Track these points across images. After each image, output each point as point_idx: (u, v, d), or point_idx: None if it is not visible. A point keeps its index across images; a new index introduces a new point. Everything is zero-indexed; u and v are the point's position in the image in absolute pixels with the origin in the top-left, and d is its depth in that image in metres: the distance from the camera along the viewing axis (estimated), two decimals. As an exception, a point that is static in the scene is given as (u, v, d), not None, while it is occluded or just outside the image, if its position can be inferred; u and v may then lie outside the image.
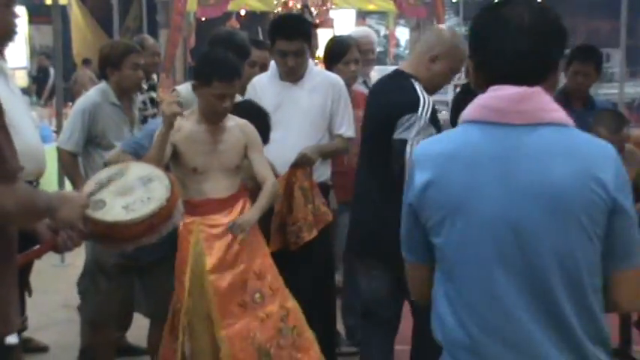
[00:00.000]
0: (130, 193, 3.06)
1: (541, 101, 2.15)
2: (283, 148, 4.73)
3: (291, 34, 4.83)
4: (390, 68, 7.13)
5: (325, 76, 5.11)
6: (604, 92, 17.94)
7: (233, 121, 4.42)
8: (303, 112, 4.93)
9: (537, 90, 2.15)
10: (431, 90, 4.09)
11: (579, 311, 2.09)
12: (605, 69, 25.77)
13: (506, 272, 2.10)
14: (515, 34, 2.15)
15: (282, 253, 4.72)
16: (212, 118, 4.33)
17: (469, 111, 2.20)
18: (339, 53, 5.64)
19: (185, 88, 4.98)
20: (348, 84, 5.51)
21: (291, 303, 4.41)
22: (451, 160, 2.16)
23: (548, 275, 2.08)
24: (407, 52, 24.80)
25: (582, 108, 5.42)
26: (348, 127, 5.06)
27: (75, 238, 2.87)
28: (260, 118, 4.58)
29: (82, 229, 2.87)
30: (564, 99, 5.59)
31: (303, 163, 4.81)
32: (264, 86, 4.86)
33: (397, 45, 27.00)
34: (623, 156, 4.81)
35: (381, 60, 26.28)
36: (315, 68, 5.14)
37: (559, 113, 2.16)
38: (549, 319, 2.09)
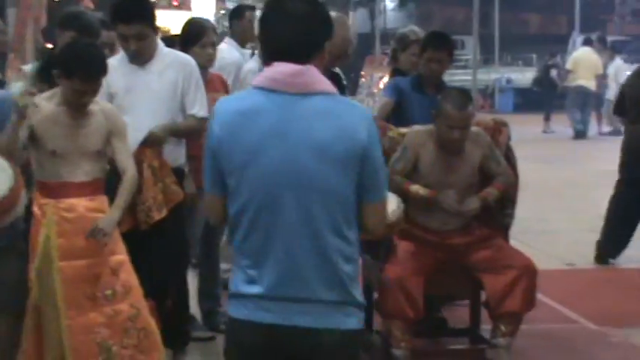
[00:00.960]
0: None
1: (312, 76, 2.74)
2: (135, 131, 4.64)
3: (130, 17, 4.75)
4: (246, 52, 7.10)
5: (175, 56, 5.05)
6: (458, 78, 18.43)
7: (98, 106, 4.33)
8: (153, 95, 4.86)
9: (309, 67, 2.74)
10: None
11: (334, 234, 2.72)
12: (459, 56, 26.46)
13: (285, 208, 2.70)
14: (291, 21, 2.74)
15: (134, 232, 4.66)
16: (72, 108, 4.25)
17: (258, 79, 2.77)
18: (195, 36, 5.57)
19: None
20: (205, 67, 5.46)
21: (143, 304, 4.34)
22: (241, 116, 2.74)
23: (314, 209, 2.70)
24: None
25: (435, 93, 5.53)
26: (200, 107, 5.02)
27: None
28: None
29: None
30: (418, 84, 5.70)
31: (152, 141, 4.78)
32: (113, 69, 4.75)
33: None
34: (469, 136, 4.98)
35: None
36: (166, 49, 5.05)
37: (326, 85, 2.76)
38: (313, 243, 2.70)
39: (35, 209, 4.23)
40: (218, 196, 2.83)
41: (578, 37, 22.51)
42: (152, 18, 4.86)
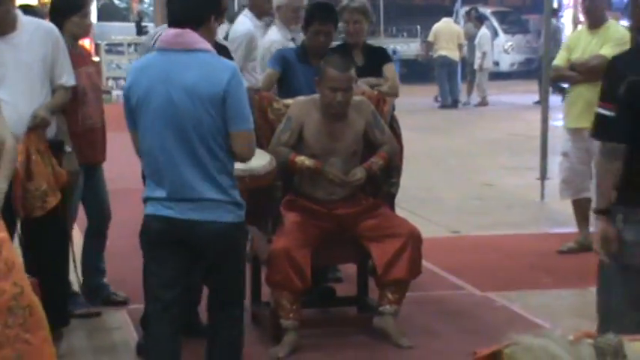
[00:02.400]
0: None
1: (192, 37, 3.75)
2: (11, 106, 4.50)
3: None
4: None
5: (38, 25, 4.89)
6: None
7: None
8: (25, 67, 4.72)
9: (187, 30, 3.75)
10: None
11: (210, 154, 3.72)
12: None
13: (170, 136, 3.71)
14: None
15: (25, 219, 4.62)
16: None
17: (157, 44, 3.92)
18: (77, 5, 5.41)
19: None
20: (79, 38, 5.41)
21: (26, 281, 4.21)
22: (142, 70, 3.85)
23: (191, 136, 3.70)
24: (151, 9, 24.35)
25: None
26: (68, 76, 4.92)
27: None
28: None
29: None
30: (303, 55, 5.67)
31: (39, 125, 4.69)
32: None
33: (142, 1, 26.48)
34: (352, 104, 5.00)
35: (125, 17, 25.74)
36: (26, 18, 4.86)
37: (203, 44, 3.76)
38: (193, 162, 3.72)
39: None
40: (133, 131, 3.84)
41: (461, 9, 22.86)
42: None
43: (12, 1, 4.71)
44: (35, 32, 4.78)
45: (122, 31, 21.93)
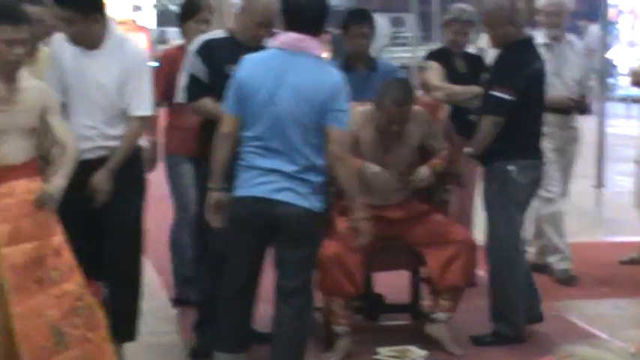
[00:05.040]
0: None
1: (313, 43, 4.16)
2: (79, 123, 4.53)
3: (61, 0, 4.51)
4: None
5: (124, 45, 4.71)
6: (398, 56, 18.46)
7: (29, 83, 4.21)
8: (99, 85, 4.59)
9: (309, 37, 4.15)
10: (247, 40, 4.67)
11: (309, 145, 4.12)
12: (398, 33, 26.31)
13: (274, 127, 4.10)
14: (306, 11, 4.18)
15: (84, 210, 4.55)
16: (6, 69, 4.09)
17: (274, 42, 4.27)
18: (191, 10, 5.76)
19: None
20: None
21: (84, 282, 4.27)
22: (259, 63, 4.20)
23: (290, 126, 4.09)
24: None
25: (366, 70, 5.51)
26: (141, 105, 4.70)
27: None
28: None
29: None
30: (347, 63, 5.60)
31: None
32: (60, 46, 4.50)
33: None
34: (407, 124, 4.97)
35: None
36: (119, 35, 4.72)
37: (320, 51, 4.21)
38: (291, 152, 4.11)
39: None
40: (232, 114, 4.18)
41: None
42: (83, 4, 4.53)
43: (89, 21, 4.54)
44: (118, 52, 4.62)
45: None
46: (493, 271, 5.17)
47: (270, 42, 4.33)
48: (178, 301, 5.87)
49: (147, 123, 4.83)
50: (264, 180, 4.11)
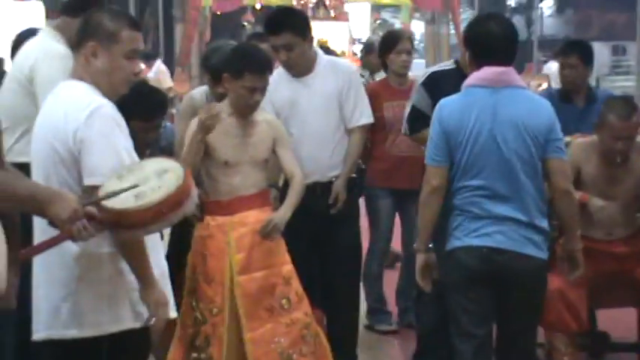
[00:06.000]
0: (144, 183, 3.07)
1: (514, 75, 3.92)
2: (301, 147, 4.76)
3: (278, 28, 4.74)
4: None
5: (334, 64, 5.01)
6: (620, 85, 17.93)
7: (261, 116, 4.44)
8: (316, 108, 4.84)
9: (510, 69, 3.90)
10: None
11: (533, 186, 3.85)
12: (621, 62, 25.43)
13: (498, 170, 3.80)
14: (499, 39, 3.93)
15: (308, 241, 4.81)
16: (243, 111, 4.35)
17: (471, 80, 3.92)
18: (390, 43, 5.93)
19: (199, 93, 4.97)
20: (399, 73, 5.90)
21: (311, 311, 4.43)
22: (465, 107, 3.86)
23: (516, 166, 3.80)
24: (422, 45, 24.72)
25: (585, 102, 5.40)
26: (362, 115, 5.01)
27: (89, 227, 2.90)
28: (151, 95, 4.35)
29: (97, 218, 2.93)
30: (564, 94, 5.49)
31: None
32: (275, 84, 4.68)
33: (412, 38, 26.87)
34: (633, 145, 4.82)
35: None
36: (325, 58, 5.00)
37: (522, 82, 3.98)
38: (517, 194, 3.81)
39: (203, 232, 4.35)
40: (445, 167, 3.86)
41: None
42: (302, 27, 4.79)
43: (307, 44, 4.81)
44: (330, 72, 4.89)
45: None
46: None
47: (467, 81, 3.94)
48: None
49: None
50: (498, 229, 3.80)
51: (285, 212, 4.35)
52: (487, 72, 3.86)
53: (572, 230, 4.03)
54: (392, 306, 6.10)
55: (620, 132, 4.69)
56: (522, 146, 3.80)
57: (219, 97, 4.54)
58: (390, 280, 6.15)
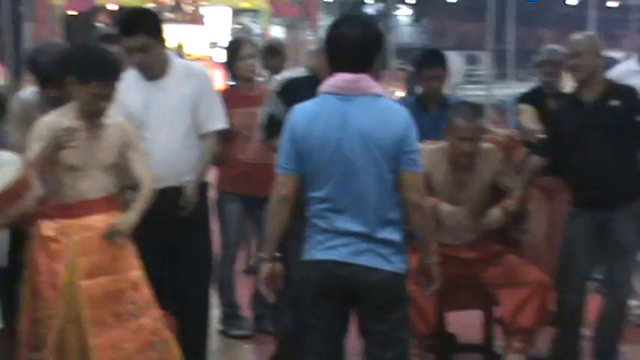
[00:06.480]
0: None
1: (368, 82, 3.66)
2: (154, 149, 4.67)
3: (132, 29, 4.64)
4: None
5: (188, 68, 4.95)
6: (473, 94, 18.40)
7: (111, 119, 4.33)
8: (171, 111, 4.76)
9: (364, 75, 3.65)
10: None
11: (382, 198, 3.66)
12: (473, 71, 26.16)
13: (343, 180, 3.62)
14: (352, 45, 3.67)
15: (158, 245, 4.69)
16: (89, 117, 4.24)
17: (324, 87, 3.70)
18: (233, 51, 5.87)
19: (30, 94, 4.75)
20: (247, 79, 5.83)
21: (161, 316, 4.34)
22: (315, 113, 3.67)
23: (363, 179, 3.61)
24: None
25: (438, 109, 5.52)
26: (217, 120, 4.97)
27: None
28: None
29: None
30: (421, 103, 5.63)
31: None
32: (127, 87, 4.57)
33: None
34: (480, 152, 4.95)
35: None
36: (178, 61, 4.96)
37: (379, 89, 3.67)
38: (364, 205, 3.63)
39: (47, 233, 4.21)
40: (292, 176, 3.69)
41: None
42: (155, 29, 4.72)
43: (160, 46, 4.75)
44: (184, 75, 4.82)
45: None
46: None
47: (321, 87, 3.75)
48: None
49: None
50: (343, 242, 3.65)
51: (130, 217, 4.25)
52: (338, 79, 3.66)
53: (426, 244, 3.88)
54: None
55: (465, 133, 4.84)
56: (370, 159, 3.60)
57: (52, 100, 4.41)
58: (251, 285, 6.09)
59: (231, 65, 5.93)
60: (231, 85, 6.09)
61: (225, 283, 5.97)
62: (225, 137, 5.58)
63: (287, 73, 5.02)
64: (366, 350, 3.79)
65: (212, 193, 5.74)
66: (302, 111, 3.72)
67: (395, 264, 3.69)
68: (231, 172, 5.83)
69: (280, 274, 3.84)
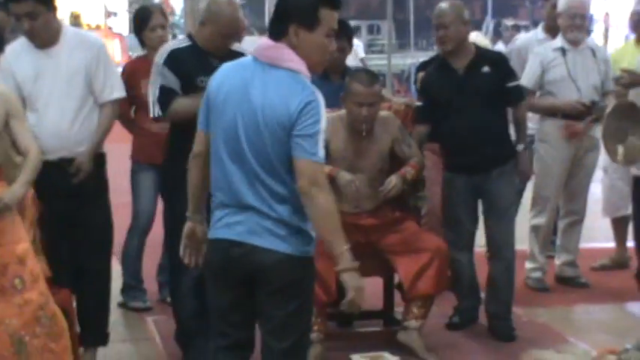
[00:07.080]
0: None
1: (280, 52, 3.37)
2: (45, 120, 4.58)
3: None
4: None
5: (82, 37, 4.86)
6: (374, 63, 18.50)
7: None
8: (63, 80, 4.65)
9: (281, 45, 3.37)
10: (212, 50, 4.61)
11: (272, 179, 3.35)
12: (374, 41, 26.31)
13: (231, 152, 3.39)
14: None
15: (56, 218, 4.58)
16: None
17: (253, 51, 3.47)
18: (143, 20, 5.75)
19: None
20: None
21: (48, 291, 4.24)
22: (230, 74, 3.47)
23: (250, 157, 3.35)
24: (182, 20, 24.49)
25: (340, 79, 5.52)
26: (113, 89, 4.84)
27: None
28: None
29: None
30: (324, 72, 5.62)
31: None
32: (16, 55, 4.50)
33: (173, 13, 26.66)
34: (379, 120, 4.99)
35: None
36: (72, 30, 4.87)
37: (289, 63, 3.35)
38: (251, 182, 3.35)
39: None
40: (204, 132, 3.51)
41: (490, 23, 22.79)
42: None
43: (51, 13, 4.62)
44: (78, 44, 4.71)
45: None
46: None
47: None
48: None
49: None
50: (238, 219, 3.38)
51: (16, 190, 4.13)
52: (259, 43, 3.46)
53: (327, 246, 3.39)
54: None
55: (363, 98, 4.89)
56: (257, 136, 3.33)
57: None
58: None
59: (140, 34, 5.82)
60: (141, 55, 5.97)
61: (131, 254, 5.90)
62: (137, 107, 5.59)
63: (167, 45, 4.89)
64: (262, 342, 3.50)
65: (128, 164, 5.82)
66: (222, 69, 3.52)
67: (293, 246, 3.36)
68: (143, 142, 5.76)
69: (201, 234, 3.62)
